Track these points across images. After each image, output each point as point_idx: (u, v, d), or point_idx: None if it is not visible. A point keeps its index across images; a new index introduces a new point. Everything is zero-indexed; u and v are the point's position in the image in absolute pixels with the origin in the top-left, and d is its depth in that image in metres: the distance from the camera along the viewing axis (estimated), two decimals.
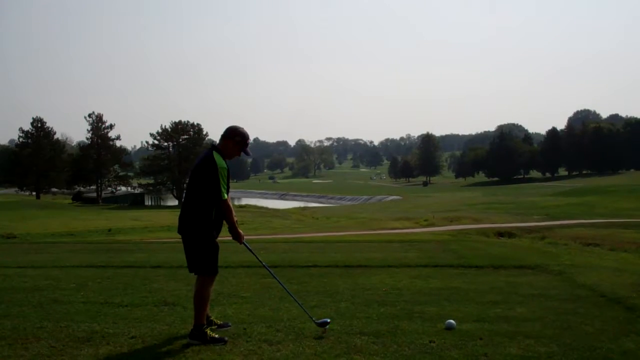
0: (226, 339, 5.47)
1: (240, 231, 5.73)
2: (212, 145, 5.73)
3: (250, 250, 6.00)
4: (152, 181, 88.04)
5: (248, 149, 5.82)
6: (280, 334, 5.70)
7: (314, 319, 5.89)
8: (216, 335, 5.49)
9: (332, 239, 21.15)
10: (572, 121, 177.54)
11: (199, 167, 5.59)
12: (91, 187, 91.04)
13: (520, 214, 48.05)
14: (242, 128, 5.79)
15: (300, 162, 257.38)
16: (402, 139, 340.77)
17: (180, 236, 5.72)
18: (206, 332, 5.46)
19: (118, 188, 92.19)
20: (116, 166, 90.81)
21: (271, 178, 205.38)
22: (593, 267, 10.83)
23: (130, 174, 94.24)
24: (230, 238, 5.80)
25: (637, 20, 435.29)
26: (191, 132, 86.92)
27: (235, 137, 5.71)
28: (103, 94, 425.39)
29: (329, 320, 5.82)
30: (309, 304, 6.96)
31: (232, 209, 5.66)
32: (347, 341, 5.46)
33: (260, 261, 6.20)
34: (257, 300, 7.31)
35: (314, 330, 5.77)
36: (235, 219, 5.70)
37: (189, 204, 5.62)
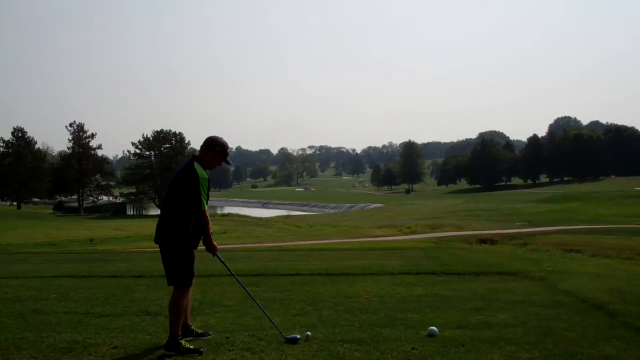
0: (202, 349, 5.42)
1: (215, 243, 5.69)
2: (193, 156, 5.74)
3: (223, 262, 5.89)
4: (134, 190, 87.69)
5: (229, 159, 5.83)
6: (263, 342, 5.69)
7: (283, 334, 5.81)
8: (191, 347, 5.44)
9: (315, 247, 21.15)
10: (553, 128, 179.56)
11: (180, 177, 5.58)
12: (73, 197, 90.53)
13: (502, 221, 48.26)
14: (222, 138, 5.80)
15: (283, 171, 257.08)
16: (384, 147, 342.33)
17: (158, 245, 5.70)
18: (181, 343, 5.42)
19: (100, 198, 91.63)
20: (98, 176, 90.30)
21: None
22: (575, 274, 10.92)
23: (112, 183, 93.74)
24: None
25: (619, 29, 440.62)
26: (173, 141, 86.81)
27: (215, 147, 5.72)
28: (85, 103, 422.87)
29: (298, 337, 5.72)
30: (291, 312, 7.00)
31: (210, 220, 5.65)
32: (329, 349, 5.47)
33: (232, 273, 6.08)
34: (240, 309, 7.28)
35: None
36: (211, 230, 5.68)
37: (168, 214, 5.60)
